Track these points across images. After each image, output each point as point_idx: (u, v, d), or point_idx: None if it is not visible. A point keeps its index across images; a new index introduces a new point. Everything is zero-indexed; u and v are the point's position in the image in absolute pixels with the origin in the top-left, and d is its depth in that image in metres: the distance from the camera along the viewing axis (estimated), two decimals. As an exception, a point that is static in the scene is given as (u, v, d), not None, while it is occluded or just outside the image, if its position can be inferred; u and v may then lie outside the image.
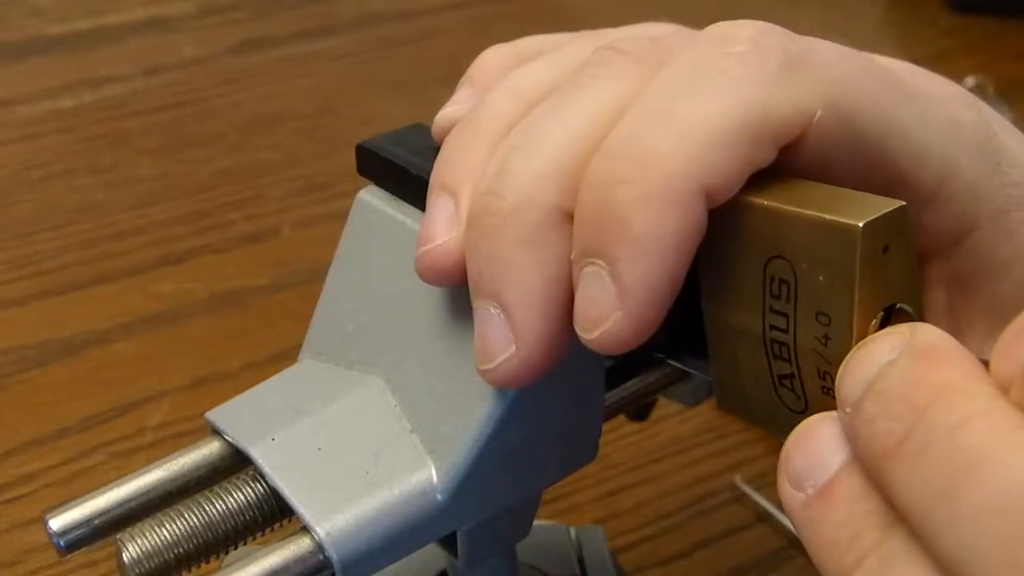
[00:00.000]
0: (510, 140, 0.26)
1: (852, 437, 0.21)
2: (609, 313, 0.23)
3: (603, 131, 0.24)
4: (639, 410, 0.35)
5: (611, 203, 0.23)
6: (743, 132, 0.23)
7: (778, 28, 0.25)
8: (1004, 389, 0.20)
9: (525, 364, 0.25)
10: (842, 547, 0.21)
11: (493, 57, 0.31)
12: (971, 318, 0.27)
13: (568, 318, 0.24)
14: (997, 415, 0.19)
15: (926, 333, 0.21)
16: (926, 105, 0.26)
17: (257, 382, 0.30)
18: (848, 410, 0.21)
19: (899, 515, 0.20)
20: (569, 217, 0.24)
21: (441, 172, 0.27)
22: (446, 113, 0.29)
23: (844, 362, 0.22)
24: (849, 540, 0.21)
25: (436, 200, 0.27)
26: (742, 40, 0.24)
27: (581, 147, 0.25)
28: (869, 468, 0.21)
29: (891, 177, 0.25)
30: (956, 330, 0.26)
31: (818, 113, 0.24)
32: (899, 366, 0.21)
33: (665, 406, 0.37)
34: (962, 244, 0.26)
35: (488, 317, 0.25)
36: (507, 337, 0.25)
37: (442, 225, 0.26)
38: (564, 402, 0.27)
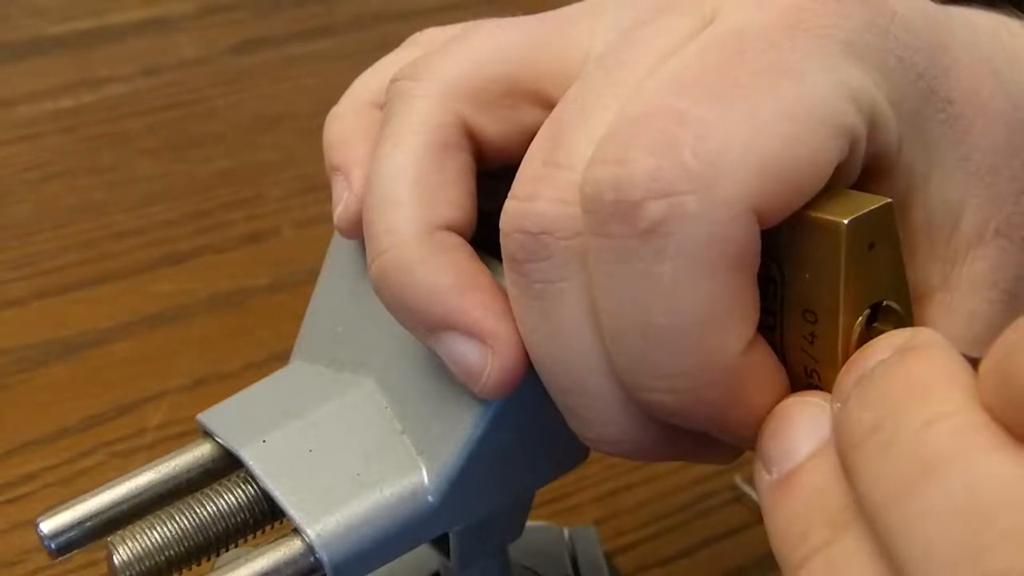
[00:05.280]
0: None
1: (835, 429, 0.21)
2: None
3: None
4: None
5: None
6: None
7: None
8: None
9: (510, 368, 0.25)
10: (792, 542, 0.21)
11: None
12: (912, 240, 0.26)
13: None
14: (965, 416, 0.19)
15: (923, 335, 0.21)
16: None
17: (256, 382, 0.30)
18: (838, 405, 0.21)
19: (858, 511, 0.20)
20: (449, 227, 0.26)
21: (329, 157, 0.30)
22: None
23: (848, 361, 0.22)
24: (799, 536, 0.21)
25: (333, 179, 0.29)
26: None
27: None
28: (841, 457, 0.21)
29: None
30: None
31: None
32: (886, 362, 0.21)
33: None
34: (893, 164, 0.25)
35: (452, 346, 0.25)
36: (478, 353, 0.25)
37: (340, 194, 0.29)
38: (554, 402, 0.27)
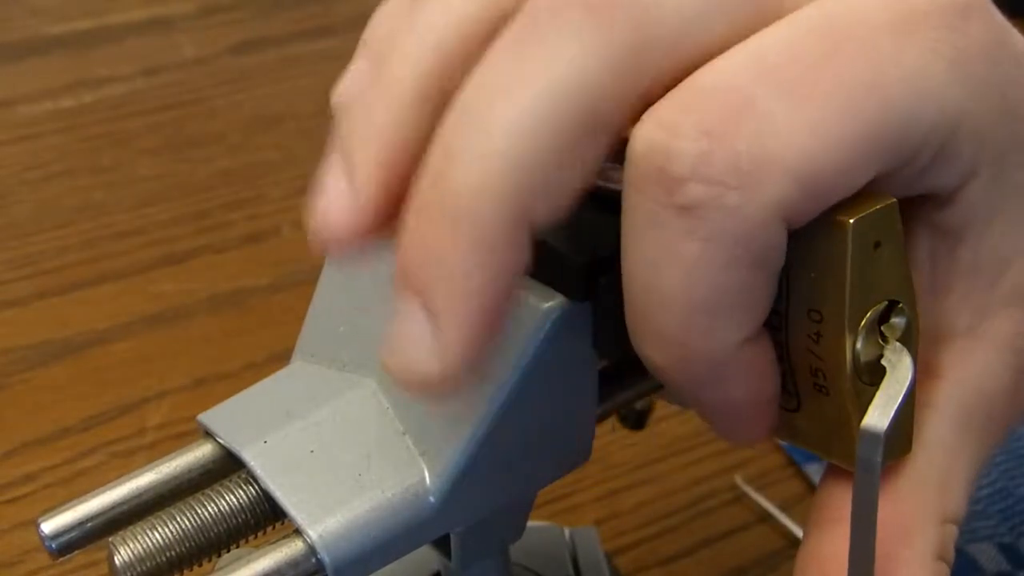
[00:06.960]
0: (454, 115, 0.22)
1: None
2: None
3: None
4: (636, 418, 0.35)
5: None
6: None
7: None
8: None
9: (444, 378, 0.23)
10: None
11: (389, 12, 0.26)
12: (950, 277, 0.25)
13: (494, 328, 0.22)
14: None
15: None
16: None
17: (257, 382, 0.30)
18: None
19: None
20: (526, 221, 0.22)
21: (344, 146, 0.24)
22: (344, 88, 0.26)
23: None
24: None
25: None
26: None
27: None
28: None
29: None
30: (932, 288, 0.26)
31: None
32: None
33: (665, 406, 0.37)
34: (958, 196, 0.24)
35: (412, 318, 0.22)
36: (428, 348, 0.22)
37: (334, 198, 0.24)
38: (556, 403, 0.27)
